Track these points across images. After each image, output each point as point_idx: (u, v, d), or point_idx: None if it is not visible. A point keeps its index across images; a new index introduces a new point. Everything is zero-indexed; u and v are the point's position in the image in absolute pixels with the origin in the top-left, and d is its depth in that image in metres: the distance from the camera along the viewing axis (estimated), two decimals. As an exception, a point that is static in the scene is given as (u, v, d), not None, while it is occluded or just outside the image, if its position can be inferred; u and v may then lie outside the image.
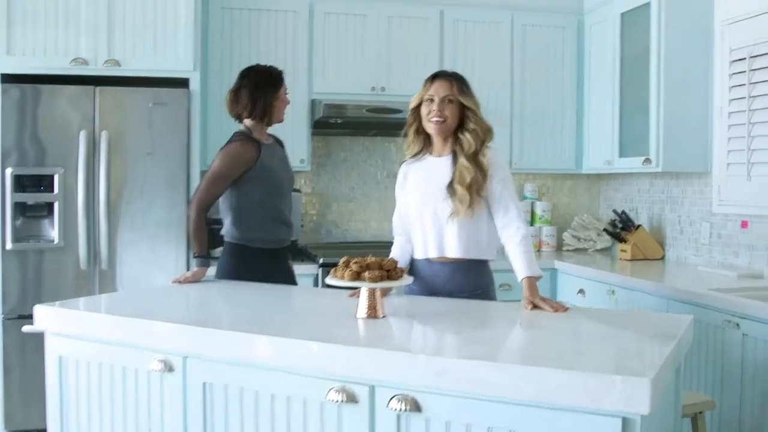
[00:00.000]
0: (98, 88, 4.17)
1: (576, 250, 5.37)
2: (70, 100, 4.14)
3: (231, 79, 3.60)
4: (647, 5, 4.47)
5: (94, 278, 4.20)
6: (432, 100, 2.99)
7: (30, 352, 4.03)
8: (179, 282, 3.33)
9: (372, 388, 2.03)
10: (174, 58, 4.29)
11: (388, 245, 3.25)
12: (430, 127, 3.01)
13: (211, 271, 3.51)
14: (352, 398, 2.04)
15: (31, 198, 4.13)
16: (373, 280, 2.42)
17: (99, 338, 2.55)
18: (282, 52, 4.73)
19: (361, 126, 4.96)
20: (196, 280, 3.36)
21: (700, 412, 2.81)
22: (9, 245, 4.11)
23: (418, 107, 3.05)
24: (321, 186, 5.25)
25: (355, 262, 2.47)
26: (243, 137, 3.45)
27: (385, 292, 2.75)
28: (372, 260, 2.50)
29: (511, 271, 2.89)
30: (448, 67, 4.88)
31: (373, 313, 2.46)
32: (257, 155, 3.42)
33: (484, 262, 3.08)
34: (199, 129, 4.35)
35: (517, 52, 5.14)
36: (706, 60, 4.37)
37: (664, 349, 2.00)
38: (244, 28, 4.72)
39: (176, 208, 4.25)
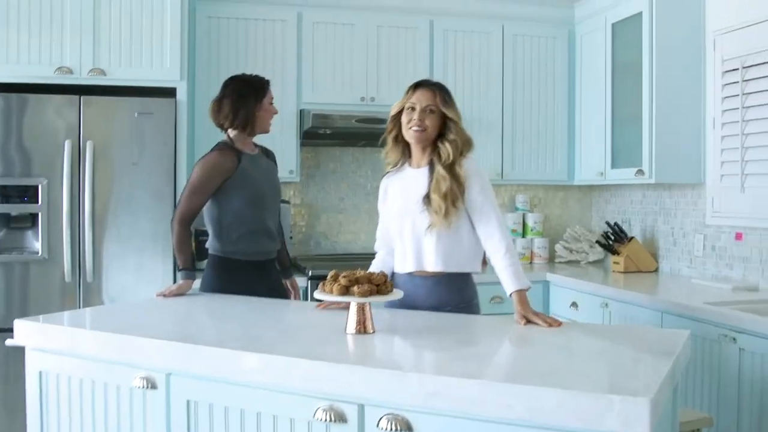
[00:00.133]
0: (83, 98, 4.10)
1: (568, 262, 5.32)
2: (55, 110, 4.07)
3: (218, 89, 3.53)
4: (638, 15, 4.44)
5: (79, 291, 4.11)
6: (413, 109, 2.95)
7: (15, 365, 3.93)
8: (164, 295, 3.27)
9: (361, 407, 1.96)
10: (160, 67, 4.23)
11: (377, 257, 3.19)
12: (410, 135, 2.96)
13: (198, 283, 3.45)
14: (340, 417, 1.98)
15: (14, 209, 4.05)
16: (363, 294, 2.37)
17: (80, 354, 2.49)
18: (270, 61, 4.68)
19: (350, 136, 4.91)
20: (181, 293, 3.30)
21: (698, 430, 2.76)
22: (-8, 257, 4.03)
23: (398, 115, 3.01)
24: (310, 197, 5.19)
25: (344, 276, 2.41)
26: (223, 147, 3.41)
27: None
28: (361, 274, 2.45)
29: (501, 283, 2.83)
30: (439, 78, 4.86)
31: (362, 328, 2.40)
32: (236, 164, 3.37)
33: (466, 275, 3.02)
34: (186, 139, 4.28)
35: (508, 63, 5.10)
36: (698, 70, 4.34)
37: (663, 367, 1.94)
38: (232, 37, 4.67)
39: (163, 220, 4.16)
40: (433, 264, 2.93)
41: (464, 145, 2.97)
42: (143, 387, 2.31)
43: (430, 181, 2.92)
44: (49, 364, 2.56)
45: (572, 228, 5.41)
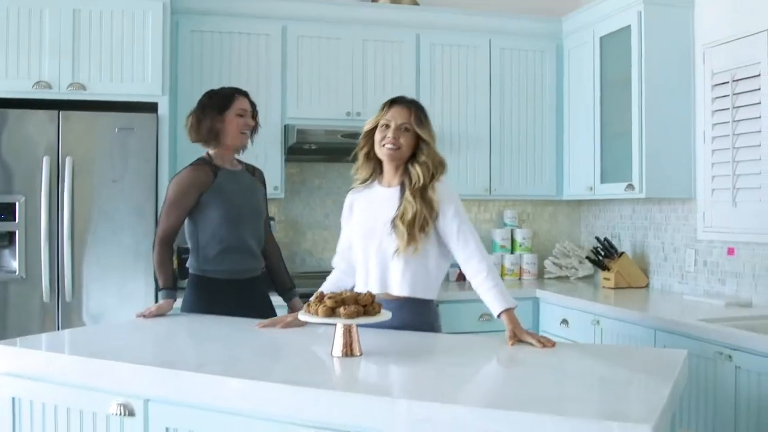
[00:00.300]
0: (62, 113, 4.00)
1: (558, 278, 5.25)
2: (33, 125, 3.97)
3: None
4: (627, 29, 4.40)
5: (57, 311, 4.00)
6: (388, 126, 2.87)
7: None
8: (144, 316, 3.17)
9: (349, 435, 1.87)
10: (142, 81, 4.15)
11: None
12: (383, 153, 2.89)
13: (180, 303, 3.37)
14: (327, 446, 1.89)
15: (-10, 227, 3.95)
16: (349, 316, 2.28)
17: (54, 379, 2.40)
18: (254, 76, 4.60)
19: (335, 152, 4.83)
20: (161, 313, 3.21)
21: (695, 452, 2.68)
22: (-33, 277, 3.92)
23: (371, 131, 2.93)
24: (295, 213, 5.10)
25: (330, 297, 2.33)
26: (198, 162, 3.36)
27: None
28: (347, 295, 2.36)
29: (486, 305, 2.76)
30: (425, 92, 4.87)
31: (349, 351, 2.31)
32: (212, 179, 3.31)
33: (429, 301, 2.94)
34: (168, 155, 4.20)
35: (495, 77, 5.05)
36: (688, 83, 4.30)
37: (663, 390, 1.86)
38: (216, 51, 4.58)
39: (145, 238, 4.07)
40: (398, 288, 2.84)
41: (436, 168, 2.90)
42: (120, 414, 2.22)
43: (399, 205, 2.85)
44: (22, 389, 2.46)
45: (561, 243, 5.34)
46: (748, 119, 3.87)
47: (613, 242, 4.87)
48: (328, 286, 3.06)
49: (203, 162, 3.36)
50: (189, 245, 3.39)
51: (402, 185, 2.89)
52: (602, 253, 4.77)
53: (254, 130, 3.49)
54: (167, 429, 2.15)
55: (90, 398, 2.31)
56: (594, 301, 4.10)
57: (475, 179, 4.96)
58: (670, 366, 2.16)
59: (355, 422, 1.86)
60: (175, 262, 3.60)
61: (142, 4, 4.16)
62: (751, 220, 3.85)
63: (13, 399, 2.47)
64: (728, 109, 3.99)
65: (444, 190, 2.89)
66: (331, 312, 2.32)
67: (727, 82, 4.00)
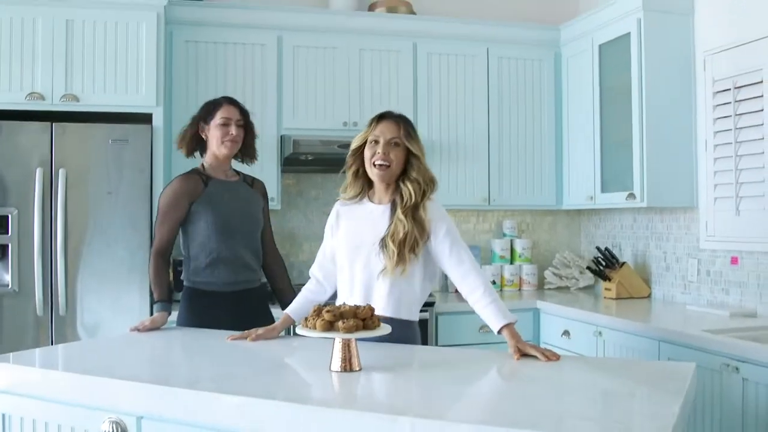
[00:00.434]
0: (55, 124, 3.95)
1: (558, 288, 5.19)
2: (26, 137, 3.92)
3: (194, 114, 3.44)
4: (626, 36, 4.35)
5: (51, 325, 3.94)
6: (377, 142, 2.82)
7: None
8: (138, 330, 3.10)
9: (348, 454, 1.80)
10: (136, 92, 4.10)
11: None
12: (374, 172, 2.83)
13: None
14: (326, 465, 1.82)
15: (-18, 240, 3.90)
16: (348, 330, 2.22)
17: (45, 395, 2.33)
18: (250, 86, 4.55)
19: (332, 162, 4.75)
20: (155, 327, 3.14)
21: (703, 466, 2.62)
22: (-41, 290, 3.86)
23: (359, 148, 2.88)
24: (291, 225, 5.04)
25: (328, 311, 2.26)
26: (189, 172, 3.34)
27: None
28: (346, 308, 2.29)
29: (486, 322, 2.70)
30: (423, 102, 4.82)
31: (348, 366, 2.25)
32: (202, 188, 3.27)
33: (412, 322, 2.87)
34: (163, 167, 4.14)
35: (493, 86, 5.00)
36: (689, 91, 4.25)
37: (673, 405, 1.80)
38: (210, 62, 4.53)
39: (139, 250, 4.03)
40: (382, 308, 2.77)
41: (427, 185, 2.84)
42: (112, 431, 2.15)
43: (390, 224, 2.79)
44: (13, 406, 2.40)
45: (561, 254, 5.29)
46: (750, 127, 3.82)
47: (614, 252, 4.81)
48: (298, 301, 3.02)
49: (194, 172, 3.34)
50: (184, 256, 3.34)
51: (393, 203, 2.84)
52: (603, 263, 4.71)
53: (248, 138, 3.43)
54: (161, 448, 2.09)
55: (82, 415, 2.24)
56: (596, 312, 4.04)
57: (473, 189, 4.91)
58: (679, 380, 2.10)
59: (355, 440, 1.80)
60: (171, 274, 3.53)
61: (136, 15, 4.12)
62: (754, 229, 3.79)
63: (3, 415, 2.41)
64: (730, 116, 3.94)
65: (435, 209, 2.84)
66: (330, 326, 2.25)
67: (729, 90, 3.95)
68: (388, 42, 4.82)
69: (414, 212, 2.77)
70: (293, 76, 4.66)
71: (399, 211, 2.78)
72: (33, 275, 3.90)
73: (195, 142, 3.38)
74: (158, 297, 3.22)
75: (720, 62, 4.05)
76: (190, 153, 3.40)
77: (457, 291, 4.84)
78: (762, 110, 3.75)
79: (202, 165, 3.38)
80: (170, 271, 3.39)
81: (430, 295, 4.41)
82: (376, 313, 2.69)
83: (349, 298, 2.83)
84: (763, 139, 3.74)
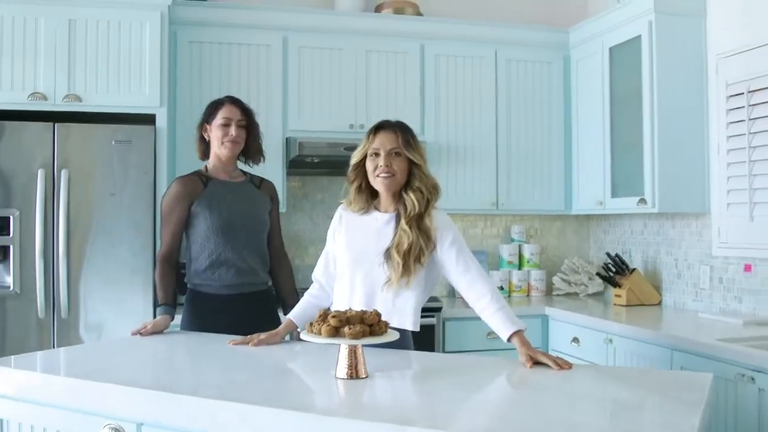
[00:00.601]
0: (58, 125, 3.90)
1: (567, 294, 5.12)
2: (28, 137, 3.87)
3: (200, 115, 3.39)
4: (637, 39, 4.29)
5: (53, 327, 3.89)
6: (378, 154, 2.77)
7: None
8: (140, 334, 3.04)
9: (354, 466, 1.74)
10: (139, 93, 4.05)
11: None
12: (378, 184, 2.78)
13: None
14: (331, 477, 1.76)
15: (-16, 242, 3.85)
16: (354, 336, 2.15)
17: (44, 400, 2.28)
18: (255, 87, 4.50)
19: (338, 165, 4.68)
20: (157, 330, 3.09)
21: (718, 479, 2.54)
22: (-40, 292, 3.81)
23: (360, 163, 2.82)
24: (297, 228, 4.98)
25: (333, 316, 2.20)
26: (189, 174, 3.31)
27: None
28: (352, 313, 2.23)
29: (494, 329, 2.63)
30: (430, 104, 4.76)
31: (354, 373, 2.18)
32: (200, 190, 3.23)
33: (409, 332, 2.80)
34: (167, 168, 4.09)
35: (502, 88, 4.93)
36: (701, 95, 4.18)
37: (693, 418, 1.73)
38: (215, 62, 4.48)
39: (142, 252, 3.98)
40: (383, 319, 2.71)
41: (431, 193, 2.79)
42: (111, 439, 2.09)
43: (394, 234, 2.73)
44: (11, 410, 2.35)
45: (570, 259, 5.22)
46: (765, 131, 3.75)
47: (623, 258, 4.73)
48: (301, 306, 2.96)
49: (194, 173, 3.30)
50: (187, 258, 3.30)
51: (398, 213, 2.79)
52: (613, 269, 4.64)
53: (250, 139, 3.36)
54: (160, 456, 2.03)
55: (80, 421, 2.19)
56: (606, 319, 3.96)
57: (481, 193, 4.84)
58: (696, 390, 2.03)
59: (361, 451, 1.73)
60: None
61: (140, 15, 4.07)
62: (769, 236, 3.72)
63: (2, 421, 2.37)
64: (743, 120, 3.87)
65: (440, 217, 2.79)
66: (335, 332, 2.19)
67: (742, 93, 3.88)
68: (395, 43, 4.77)
69: (419, 222, 2.73)
70: (299, 78, 4.60)
71: (403, 222, 2.73)
72: (35, 277, 3.85)
73: (205, 144, 3.34)
74: (161, 300, 3.17)
75: (733, 66, 3.98)
76: (204, 156, 3.35)
77: (463, 296, 4.82)
78: (776, 114, 3.68)
79: (206, 166, 3.33)
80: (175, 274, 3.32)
81: (437, 300, 4.40)
82: None
83: (347, 306, 2.76)
84: (777, 143, 3.67)
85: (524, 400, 2.15)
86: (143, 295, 3.98)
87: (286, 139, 4.54)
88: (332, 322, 2.19)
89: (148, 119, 4.07)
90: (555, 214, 5.23)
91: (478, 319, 2.73)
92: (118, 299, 3.97)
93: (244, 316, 3.21)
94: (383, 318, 2.44)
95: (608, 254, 4.77)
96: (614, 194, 4.51)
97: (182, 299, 3.36)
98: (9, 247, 3.85)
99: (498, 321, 2.60)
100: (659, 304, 4.54)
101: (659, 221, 4.61)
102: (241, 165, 3.45)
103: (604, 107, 4.60)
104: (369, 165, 2.79)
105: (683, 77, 4.18)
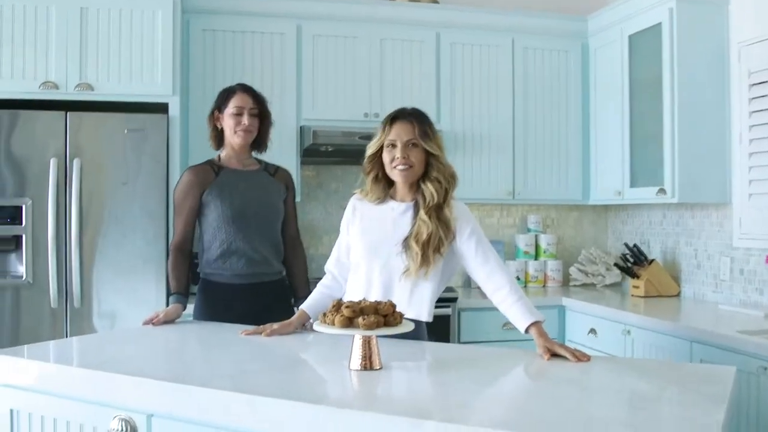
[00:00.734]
0: (70, 114, 3.88)
1: (584, 285, 5.06)
2: (40, 127, 3.84)
3: (213, 104, 3.35)
4: (657, 26, 4.21)
5: (66, 317, 3.87)
6: (394, 146, 2.72)
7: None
8: (152, 323, 3.01)
9: (368, 459, 1.70)
10: (152, 81, 4.02)
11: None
12: (396, 175, 2.74)
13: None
14: (345, 470, 1.72)
15: (-4, 231, 3.83)
16: (369, 327, 2.11)
17: (54, 391, 2.26)
18: (269, 76, 4.45)
19: (353, 154, 4.62)
20: (169, 320, 3.06)
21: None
22: (-27, 282, 3.80)
23: (376, 154, 2.78)
24: (311, 217, 4.94)
25: (347, 307, 2.16)
26: (201, 163, 3.29)
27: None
28: (366, 304, 2.19)
29: (511, 321, 2.60)
30: (446, 93, 4.70)
31: (368, 364, 2.14)
32: (212, 178, 3.21)
33: (424, 323, 2.76)
34: (180, 157, 4.06)
35: (519, 77, 4.87)
36: (723, 83, 4.10)
37: (716, 414, 1.67)
38: (228, 51, 4.44)
39: (155, 241, 3.96)
40: (401, 310, 2.66)
41: (449, 182, 2.75)
42: (121, 429, 2.07)
43: (413, 225, 2.69)
44: (21, 401, 2.33)
45: (587, 250, 5.16)
46: (788, 120, 3.68)
47: (642, 248, 4.66)
48: (314, 297, 2.92)
49: (206, 163, 3.29)
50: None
51: (416, 203, 2.75)
52: (631, 260, 4.57)
53: (263, 127, 3.32)
54: (171, 447, 2.00)
55: (91, 412, 2.17)
56: (624, 310, 3.91)
57: (498, 182, 4.79)
58: (719, 384, 1.98)
59: (376, 444, 1.69)
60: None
61: (152, 3, 4.04)
62: (791, 226, 3.65)
63: (12, 411, 2.34)
64: (766, 109, 3.79)
65: (460, 208, 2.76)
66: (349, 322, 2.15)
67: (765, 82, 3.80)
68: (411, 32, 4.71)
69: (438, 212, 2.69)
70: (313, 66, 4.55)
71: (422, 212, 2.69)
72: (47, 267, 3.83)
73: (218, 133, 3.31)
74: (174, 289, 3.16)
75: (756, 53, 3.90)
76: (218, 146, 3.32)
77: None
78: (800, 102, 3.60)
79: (219, 156, 3.31)
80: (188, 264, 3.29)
81: (452, 290, 4.35)
82: None
83: (364, 297, 2.73)
84: (800, 132, 3.60)
85: (541, 393, 2.10)
86: (156, 285, 3.96)
87: (300, 128, 4.51)
88: (346, 312, 2.15)
89: (161, 108, 4.03)
90: (572, 204, 5.17)
91: (494, 309, 2.69)
92: (131, 288, 3.95)
93: (255, 306, 3.18)
94: (399, 308, 2.41)
95: (626, 245, 4.70)
96: (633, 184, 4.44)
97: (194, 288, 3.34)
98: (21, 236, 3.83)
99: (516, 312, 2.55)
100: (678, 295, 4.48)
101: (678, 211, 4.54)
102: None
103: (624, 96, 4.53)
104: (386, 156, 2.75)
105: (704, 65, 4.11)
